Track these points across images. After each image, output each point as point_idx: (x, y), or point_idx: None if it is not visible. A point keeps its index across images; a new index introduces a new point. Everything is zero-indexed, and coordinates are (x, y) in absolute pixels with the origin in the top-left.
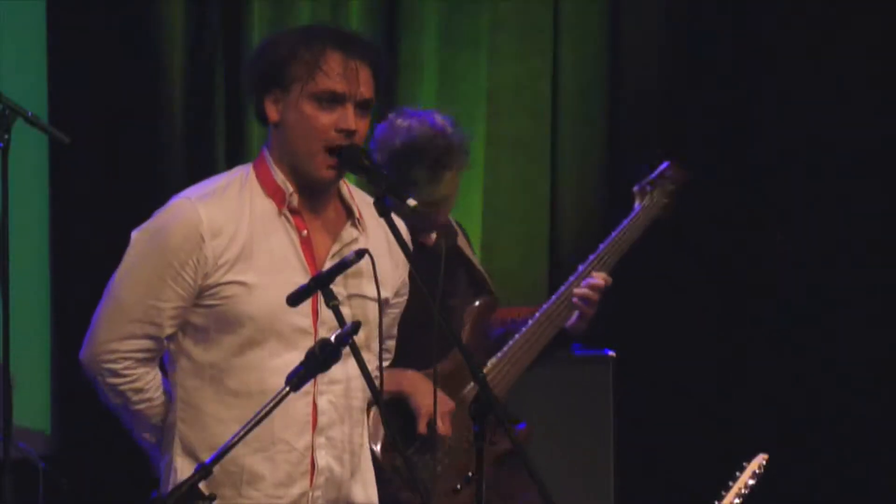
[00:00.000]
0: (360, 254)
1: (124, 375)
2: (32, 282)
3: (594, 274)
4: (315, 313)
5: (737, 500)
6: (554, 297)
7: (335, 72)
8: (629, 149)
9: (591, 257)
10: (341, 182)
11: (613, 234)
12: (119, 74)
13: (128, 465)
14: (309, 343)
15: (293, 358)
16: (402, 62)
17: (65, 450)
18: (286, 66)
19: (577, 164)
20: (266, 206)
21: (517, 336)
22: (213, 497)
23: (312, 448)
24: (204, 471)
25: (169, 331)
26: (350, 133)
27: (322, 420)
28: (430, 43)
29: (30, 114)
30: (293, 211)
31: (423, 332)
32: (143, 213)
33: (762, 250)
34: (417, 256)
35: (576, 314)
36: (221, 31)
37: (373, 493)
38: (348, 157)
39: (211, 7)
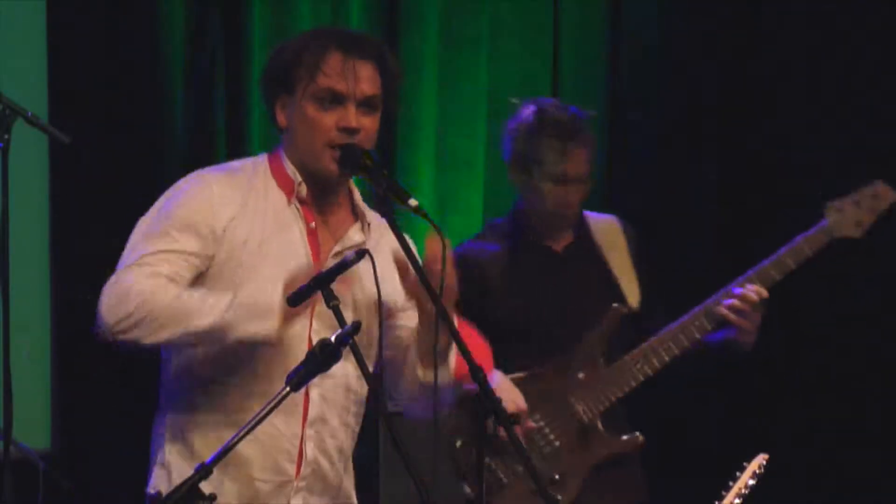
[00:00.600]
0: (361, 254)
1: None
2: (33, 282)
3: (747, 286)
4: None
5: (737, 501)
6: (696, 309)
7: (334, 71)
8: (629, 149)
9: (750, 271)
10: (352, 191)
11: (783, 248)
12: (119, 74)
13: (128, 465)
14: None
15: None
16: (403, 62)
17: (65, 450)
18: (290, 70)
19: None
20: (277, 197)
21: (644, 344)
22: (213, 497)
23: (302, 438)
24: (204, 471)
25: (187, 276)
26: (352, 131)
27: (313, 412)
28: (430, 43)
29: (30, 114)
30: (302, 202)
31: (517, 337)
32: (143, 213)
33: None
34: (534, 254)
35: (721, 329)
36: (222, 30)
37: (352, 484)
38: (349, 156)
39: (211, 7)
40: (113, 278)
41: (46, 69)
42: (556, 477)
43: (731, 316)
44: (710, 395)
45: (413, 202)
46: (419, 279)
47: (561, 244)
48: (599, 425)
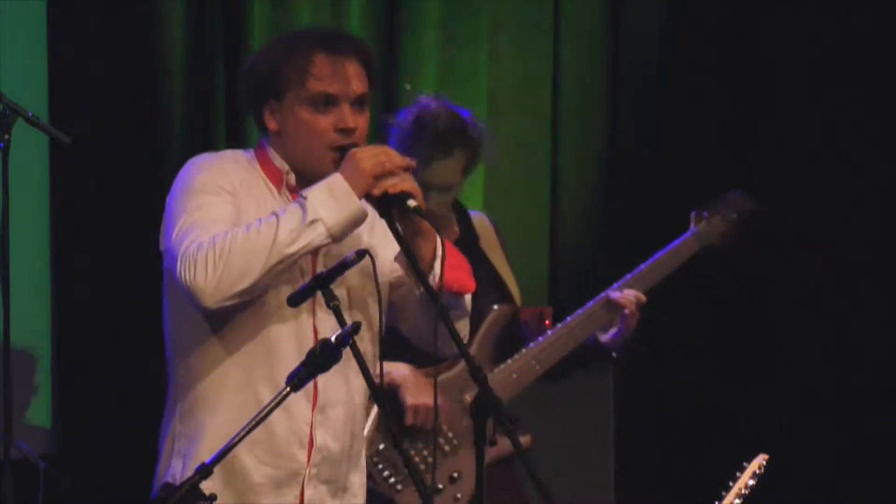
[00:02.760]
0: (361, 254)
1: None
2: (33, 281)
3: (626, 291)
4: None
5: (737, 501)
6: (579, 312)
7: (325, 74)
8: (629, 149)
9: (628, 276)
10: None
11: (658, 254)
12: (119, 74)
13: (128, 465)
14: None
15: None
16: (403, 62)
17: (65, 450)
18: (276, 75)
19: (577, 164)
20: (266, 187)
21: (531, 345)
22: (213, 497)
23: (312, 424)
24: (204, 471)
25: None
26: (350, 131)
27: (322, 398)
28: (430, 43)
29: (30, 114)
30: (292, 190)
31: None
32: (143, 213)
33: (761, 250)
34: None
35: (612, 330)
36: (222, 31)
37: (363, 484)
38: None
39: (211, 7)
40: (178, 252)
41: (46, 69)
42: (455, 475)
43: (616, 314)
44: (710, 394)
45: (412, 202)
46: (417, 275)
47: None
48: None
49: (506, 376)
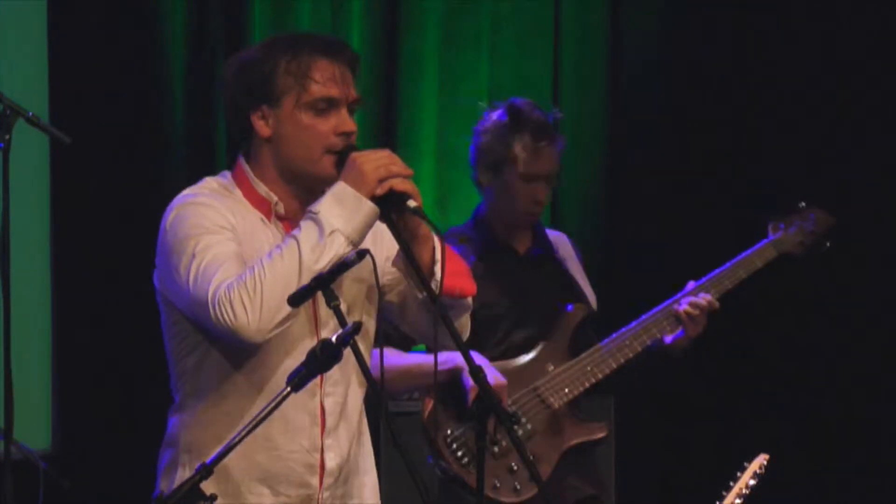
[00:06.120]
0: (361, 254)
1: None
2: (33, 282)
3: (702, 294)
4: (316, 317)
5: (738, 501)
6: (653, 311)
7: (326, 78)
8: (629, 149)
9: (704, 279)
10: None
11: (735, 259)
12: (120, 74)
13: (128, 465)
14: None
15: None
16: (403, 62)
17: (65, 450)
18: (272, 80)
19: (577, 164)
20: (253, 216)
21: (601, 344)
22: (213, 497)
23: (322, 449)
24: (205, 471)
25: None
26: (349, 134)
27: (330, 421)
28: (430, 43)
29: (30, 114)
30: (281, 219)
31: (484, 338)
32: (143, 213)
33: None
34: (500, 257)
35: (678, 331)
36: (222, 30)
37: (376, 490)
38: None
39: (212, 7)
40: (206, 298)
41: (46, 69)
42: (514, 467)
43: (687, 322)
44: (710, 394)
45: (412, 203)
46: (418, 279)
47: (522, 247)
48: (569, 413)
49: (582, 368)
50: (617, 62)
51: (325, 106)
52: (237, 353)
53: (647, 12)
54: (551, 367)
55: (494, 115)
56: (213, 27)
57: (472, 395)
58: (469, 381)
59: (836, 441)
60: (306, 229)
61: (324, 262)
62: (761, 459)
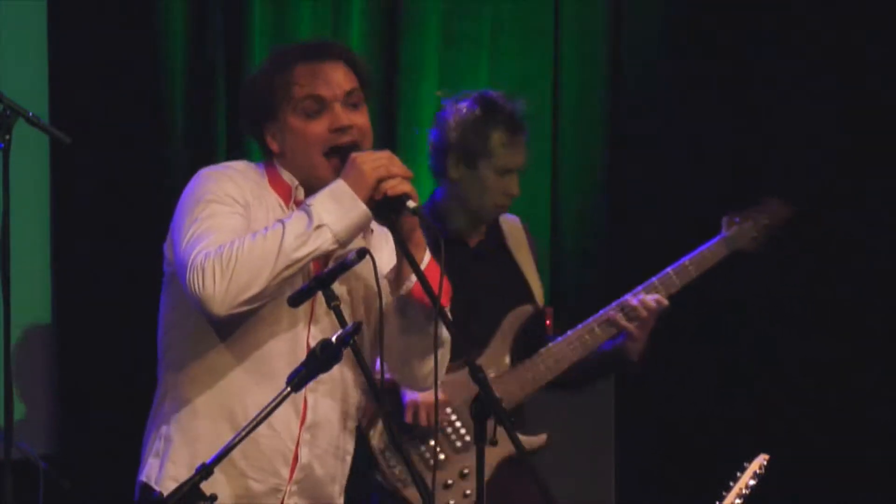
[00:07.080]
0: (362, 254)
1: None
2: (34, 282)
3: (648, 294)
4: (312, 312)
5: (738, 501)
6: (600, 313)
7: (307, 80)
8: (629, 149)
9: (653, 278)
10: None
11: (684, 258)
12: (120, 74)
13: (128, 465)
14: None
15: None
16: (403, 62)
17: (65, 450)
18: (267, 98)
19: (577, 164)
20: (275, 202)
21: (549, 345)
22: (213, 497)
23: (298, 442)
24: (205, 471)
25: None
26: (346, 128)
27: (310, 416)
28: (430, 43)
29: (30, 114)
30: (300, 204)
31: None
32: (143, 213)
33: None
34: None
35: (622, 337)
36: (222, 31)
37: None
38: (348, 155)
39: (212, 7)
40: (187, 262)
41: (46, 69)
42: (466, 471)
43: (628, 323)
44: (711, 395)
45: (411, 203)
46: (419, 281)
47: (474, 241)
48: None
49: (521, 375)
50: (617, 62)
51: (316, 107)
52: (222, 327)
53: (647, 12)
54: (491, 374)
55: (464, 107)
56: (213, 27)
57: (408, 411)
58: (406, 396)
59: (836, 441)
60: (296, 218)
61: (304, 252)
62: (761, 459)
